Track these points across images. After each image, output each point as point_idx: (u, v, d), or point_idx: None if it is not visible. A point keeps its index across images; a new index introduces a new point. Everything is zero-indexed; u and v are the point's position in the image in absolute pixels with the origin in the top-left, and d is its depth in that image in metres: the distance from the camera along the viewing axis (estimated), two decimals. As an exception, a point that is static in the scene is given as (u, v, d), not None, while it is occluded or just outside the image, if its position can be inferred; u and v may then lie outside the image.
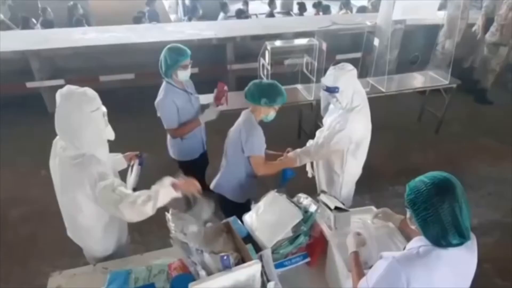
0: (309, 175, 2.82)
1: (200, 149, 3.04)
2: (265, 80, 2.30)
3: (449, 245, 1.29)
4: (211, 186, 2.60)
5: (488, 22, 5.52)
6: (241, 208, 2.18)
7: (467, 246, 1.34)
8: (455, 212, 1.26)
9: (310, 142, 2.60)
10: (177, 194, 1.75)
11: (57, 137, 1.83)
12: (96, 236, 1.96)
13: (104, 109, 1.78)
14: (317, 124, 4.45)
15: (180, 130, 2.77)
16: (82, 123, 1.67)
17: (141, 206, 1.66)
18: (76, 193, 1.76)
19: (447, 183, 1.30)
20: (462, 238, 1.29)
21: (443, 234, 1.28)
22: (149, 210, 1.68)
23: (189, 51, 2.65)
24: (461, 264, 1.35)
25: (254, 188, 2.55)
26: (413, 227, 1.42)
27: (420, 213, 1.31)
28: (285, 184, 2.49)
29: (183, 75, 2.69)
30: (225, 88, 2.81)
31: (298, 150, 2.58)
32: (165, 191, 1.72)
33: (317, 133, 2.65)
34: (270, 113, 2.41)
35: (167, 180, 1.75)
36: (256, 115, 2.39)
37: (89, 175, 1.69)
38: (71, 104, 1.66)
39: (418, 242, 1.38)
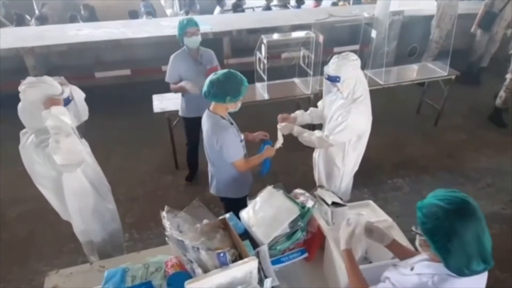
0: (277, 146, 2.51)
1: (196, 112, 3.07)
2: (219, 72, 2.16)
3: (472, 273, 1.18)
4: (212, 192, 2.57)
5: (487, 15, 5.48)
6: (244, 202, 2.17)
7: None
8: (481, 239, 1.15)
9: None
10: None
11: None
12: (73, 208, 2.16)
13: None
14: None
15: (172, 86, 3.17)
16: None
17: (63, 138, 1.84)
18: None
19: (468, 206, 1.17)
20: (487, 265, 1.18)
21: (467, 263, 1.16)
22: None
23: (195, 20, 3.04)
24: None
25: (250, 177, 2.57)
26: (427, 253, 1.32)
27: (442, 244, 1.18)
28: (264, 175, 2.47)
29: (189, 41, 3.05)
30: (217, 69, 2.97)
31: (295, 127, 2.57)
32: (54, 112, 1.84)
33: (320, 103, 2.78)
34: (237, 106, 2.27)
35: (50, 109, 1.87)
36: (220, 112, 2.26)
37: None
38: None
39: (430, 268, 1.26)
